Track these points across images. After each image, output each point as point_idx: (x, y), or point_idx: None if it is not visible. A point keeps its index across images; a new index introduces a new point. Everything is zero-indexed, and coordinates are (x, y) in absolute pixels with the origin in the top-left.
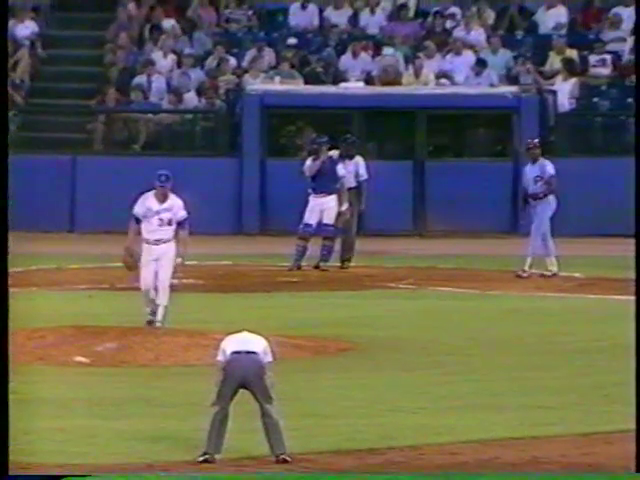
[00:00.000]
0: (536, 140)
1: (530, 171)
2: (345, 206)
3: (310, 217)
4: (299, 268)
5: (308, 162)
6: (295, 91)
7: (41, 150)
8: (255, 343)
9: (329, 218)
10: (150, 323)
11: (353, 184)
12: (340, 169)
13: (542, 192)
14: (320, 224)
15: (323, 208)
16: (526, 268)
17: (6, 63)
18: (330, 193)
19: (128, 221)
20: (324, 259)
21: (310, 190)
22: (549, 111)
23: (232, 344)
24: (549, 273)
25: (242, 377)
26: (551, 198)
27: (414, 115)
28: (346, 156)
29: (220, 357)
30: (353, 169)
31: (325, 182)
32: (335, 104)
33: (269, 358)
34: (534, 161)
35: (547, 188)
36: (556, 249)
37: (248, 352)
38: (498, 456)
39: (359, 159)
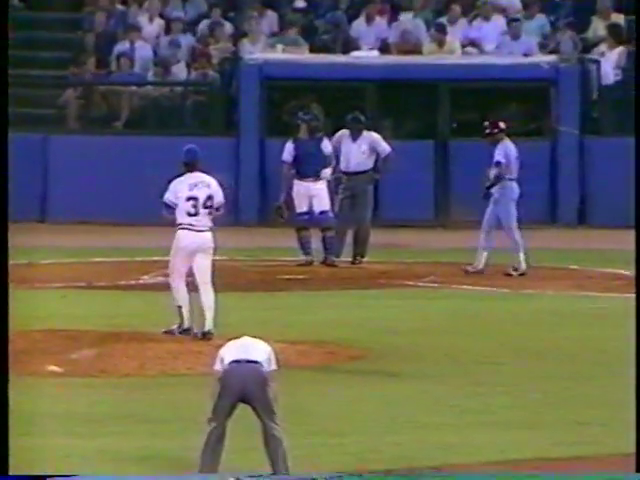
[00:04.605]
0: (486, 123)
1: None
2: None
3: (301, 205)
4: (312, 262)
5: (287, 145)
6: (300, 61)
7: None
8: (257, 350)
9: (322, 204)
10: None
11: (368, 166)
12: (326, 147)
13: (490, 181)
14: (313, 213)
15: (311, 194)
16: (476, 264)
17: (6, 54)
18: (317, 178)
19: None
20: (330, 252)
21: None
22: (591, 83)
23: (231, 351)
24: (515, 273)
25: (241, 390)
26: (509, 184)
27: (436, 88)
28: (355, 135)
29: (217, 366)
30: (367, 148)
31: (310, 165)
32: (346, 76)
33: (273, 366)
34: (494, 144)
35: (494, 175)
36: (524, 242)
37: (249, 361)
38: None
39: (373, 135)
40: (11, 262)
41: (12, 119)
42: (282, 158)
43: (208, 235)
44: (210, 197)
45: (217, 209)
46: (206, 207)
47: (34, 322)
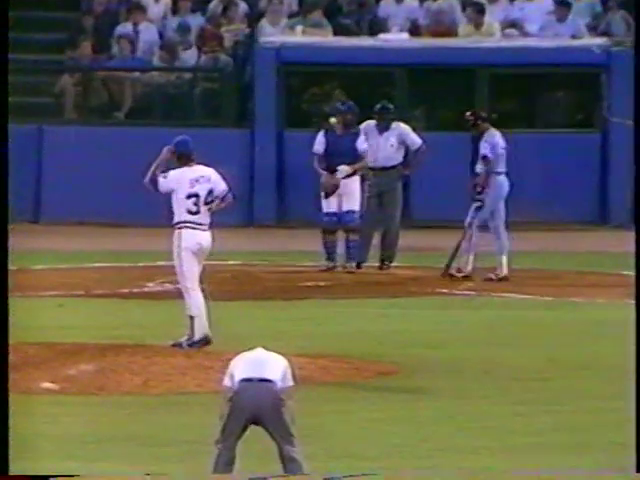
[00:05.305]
0: (468, 113)
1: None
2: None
3: (329, 203)
4: (335, 267)
5: (319, 137)
6: (322, 44)
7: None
8: (272, 366)
9: (351, 203)
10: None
11: (396, 160)
12: (361, 143)
13: (481, 181)
14: (341, 212)
15: (342, 192)
16: (468, 267)
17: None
18: (347, 161)
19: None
20: (351, 258)
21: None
22: None
23: (242, 367)
24: (494, 276)
25: (254, 411)
26: (497, 179)
27: (473, 74)
28: (382, 127)
29: (227, 382)
30: (396, 141)
31: (341, 161)
32: (373, 61)
33: (289, 383)
34: (480, 136)
35: (483, 171)
36: (511, 245)
37: (262, 380)
38: None
39: (402, 126)
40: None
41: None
42: (313, 149)
43: (209, 235)
44: (210, 192)
45: (222, 199)
46: (207, 204)
47: (27, 334)
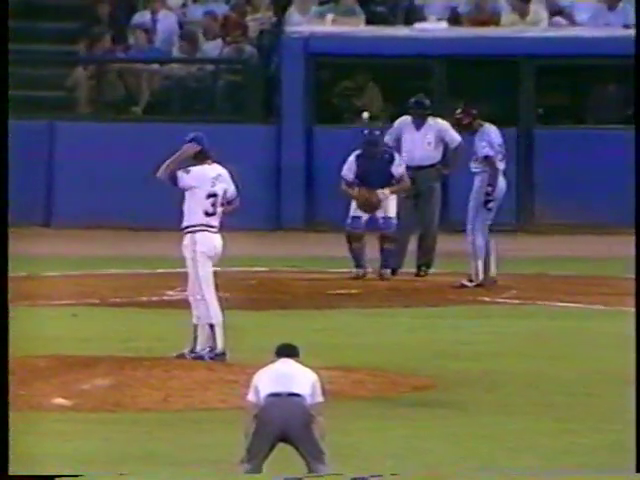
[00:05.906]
0: (458, 110)
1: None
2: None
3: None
4: (365, 275)
5: (350, 161)
6: (353, 34)
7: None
8: (300, 380)
9: (387, 209)
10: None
11: (434, 159)
12: (397, 167)
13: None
14: (375, 217)
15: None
16: (475, 276)
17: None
18: (381, 187)
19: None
20: (386, 265)
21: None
22: None
23: (268, 381)
24: (469, 283)
25: (283, 428)
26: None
27: (518, 66)
28: (419, 123)
29: (252, 397)
30: (434, 138)
31: (374, 179)
32: (408, 51)
33: (319, 398)
34: (472, 134)
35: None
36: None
37: (290, 394)
38: None
39: (440, 123)
40: (9, 275)
41: (12, 103)
42: (342, 173)
43: (221, 238)
44: (225, 192)
45: (229, 202)
46: (222, 205)
47: (37, 346)
